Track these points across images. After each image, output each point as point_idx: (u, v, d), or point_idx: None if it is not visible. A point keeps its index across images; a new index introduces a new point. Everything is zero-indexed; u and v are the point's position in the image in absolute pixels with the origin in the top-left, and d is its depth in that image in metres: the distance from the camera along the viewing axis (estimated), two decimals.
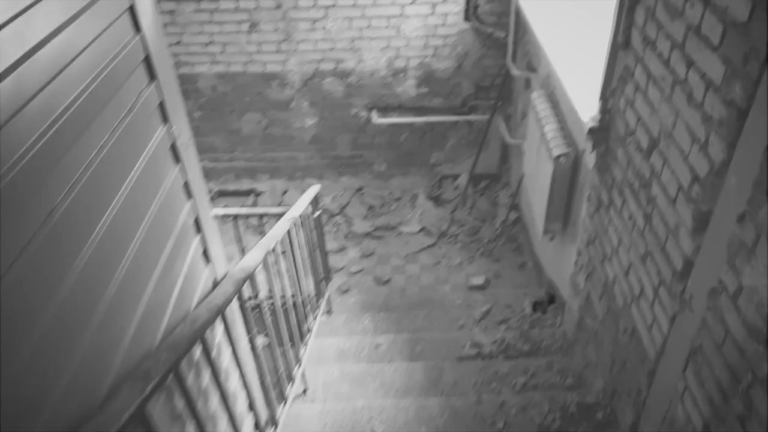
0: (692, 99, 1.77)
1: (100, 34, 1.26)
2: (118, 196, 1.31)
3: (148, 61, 1.44)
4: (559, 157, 3.15)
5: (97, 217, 1.23)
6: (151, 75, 1.46)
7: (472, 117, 4.82)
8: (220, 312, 1.64)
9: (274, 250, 2.39)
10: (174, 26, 4.39)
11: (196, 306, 1.75)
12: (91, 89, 1.21)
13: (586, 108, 2.71)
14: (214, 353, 1.82)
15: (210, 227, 1.87)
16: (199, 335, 1.50)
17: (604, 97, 2.52)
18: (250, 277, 1.97)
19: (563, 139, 3.25)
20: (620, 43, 2.32)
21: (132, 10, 1.37)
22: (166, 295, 1.56)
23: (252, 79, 4.71)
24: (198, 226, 1.80)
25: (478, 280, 4.32)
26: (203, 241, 1.84)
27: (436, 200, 5.12)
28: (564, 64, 3.10)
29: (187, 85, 4.74)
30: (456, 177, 5.24)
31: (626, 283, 2.40)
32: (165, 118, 1.56)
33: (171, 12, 4.30)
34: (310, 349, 3.12)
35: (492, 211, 4.94)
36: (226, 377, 1.99)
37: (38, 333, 1.02)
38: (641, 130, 2.17)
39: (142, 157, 1.43)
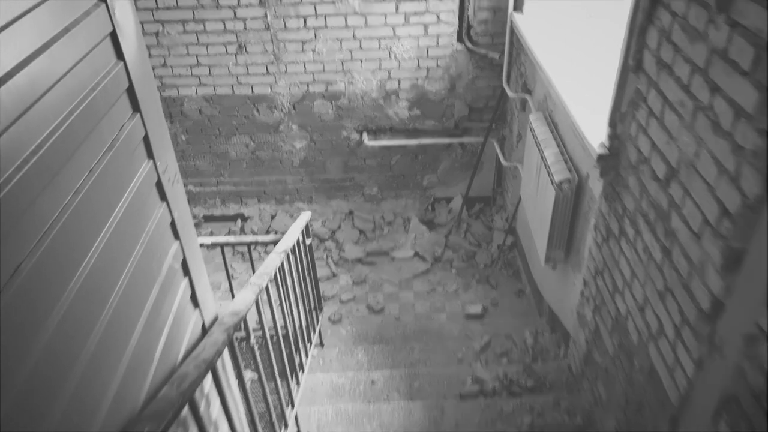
0: (718, 127, 1.66)
1: (77, 63, 1.11)
2: (97, 242, 1.15)
3: (131, 91, 1.28)
4: (561, 183, 3.04)
5: (73, 269, 1.07)
6: (135, 106, 1.31)
7: (465, 139, 4.71)
8: (210, 367, 1.47)
9: (266, 288, 2.22)
10: (159, 48, 4.24)
11: (184, 358, 1.57)
12: (66, 124, 1.05)
13: (590, 131, 2.60)
14: (202, 408, 1.64)
15: (198, 269, 1.71)
16: (187, 398, 1.33)
17: (614, 122, 2.41)
18: (242, 321, 1.80)
19: (565, 164, 3.14)
20: (631, 66, 2.22)
21: (114, 36, 1.22)
22: (151, 345, 1.39)
23: (240, 101, 4.57)
24: (186, 268, 1.63)
25: (476, 309, 4.17)
26: (191, 284, 1.67)
27: (430, 224, 4.98)
28: (565, 85, 3.01)
29: (173, 108, 4.58)
30: (449, 200, 5.11)
31: (642, 319, 2.26)
32: (150, 153, 1.40)
33: (156, 34, 4.16)
34: (303, 389, 2.93)
35: (487, 235, 4.81)
36: (215, 429, 1.81)
37: (11, 398, 0.86)
38: (657, 158, 2.06)
39: (124, 198, 1.27)
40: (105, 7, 1.21)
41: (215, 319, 1.83)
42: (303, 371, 3.10)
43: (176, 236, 1.56)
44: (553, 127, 3.46)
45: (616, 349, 2.56)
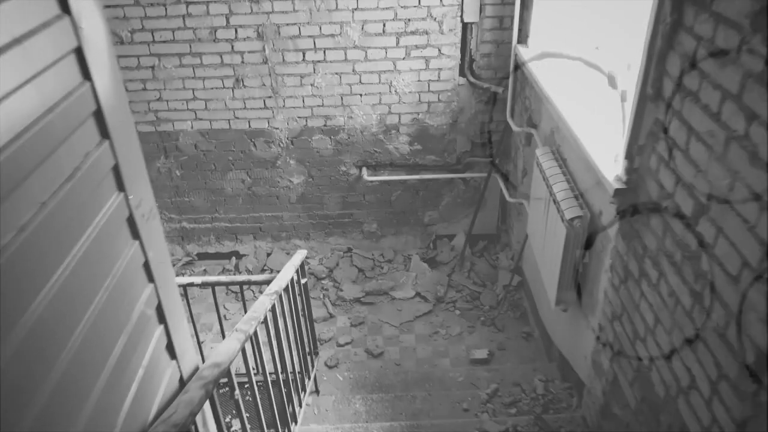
0: (756, 158, 1.50)
1: (29, 80, 0.95)
2: (48, 286, 0.97)
3: (99, 115, 1.12)
4: (572, 220, 2.87)
5: (15, 317, 0.88)
6: (103, 132, 1.14)
7: (468, 175, 4.57)
8: None
9: (254, 334, 2.02)
10: (155, 82, 4.13)
11: (156, 417, 1.36)
12: (11, 151, 0.88)
13: (604, 166, 2.45)
14: None
15: (176, 315, 1.51)
16: None
17: (631, 154, 2.26)
18: (224, 375, 1.60)
19: (576, 200, 2.97)
20: (649, 95, 2.07)
21: (80, 53, 1.06)
22: (115, 405, 1.19)
23: (236, 136, 4.44)
24: (161, 315, 1.44)
25: (481, 354, 3.94)
26: (167, 333, 1.47)
27: (432, 262, 4.79)
28: (575, 118, 2.87)
29: (168, 142, 4.45)
30: (452, 237, 4.94)
31: (668, 371, 2.05)
32: (120, 185, 1.23)
33: (152, 67, 4.06)
34: None
35: (492, 275, 4.62)
36: None
37: None
38: (682, 194, 1.89)
39: (86, 235, 1.09)
40: (69, 20, 1.06)
41: (196, 371, 1.63)
42: (296, 423, 2.86)
43: (150, 279, 1.37)
44: (562, 162, 3.32)
45: (638, 403, 2.34)
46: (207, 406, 1.64)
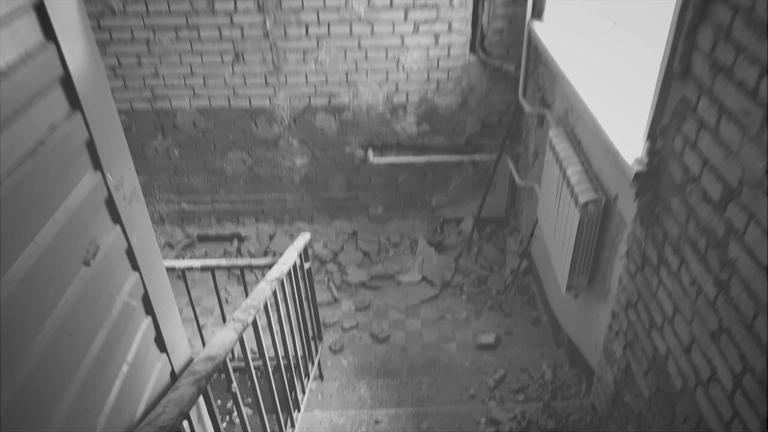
0: None
1: None
2: (7, 277, 0.86)
3: (67, 82, 1.00)
4: (587, 204, 2.74)
5: None
6: (74, 102, 1.02)
7: (477, 157, 4.42)
8: None
9: (253, 323, 1.92)
10: (150, 56, 3.99)
11: (144, 416, 1.27)
12: None
13: (622, 147, 2.31)
14: None
15: (165, 305, 1.41)
16: None
17: (653, 135, 2.12)
18: (219, 368, 1.50)
19: (590, 183, 2.84)
20: (676, 71, 1.93)
21: (41, 8, 0.94)
22: (94, 407, 1.09)
23: (236, 114, 4.31)
24: (148, 305, 1.34)
25: (488, 339, 3.85)
26: (156, 324, 1.37)
27: (439, 246, 4.67)
28: (592, 97, 2.72)
29: (165, 121, 4.32)
30: (459, 221, 4.81)
31: (687, 362, 1.95)
32: (96, 163, 1.11)
33: (146, 41, 3.91)
34: (299, 429, 2.61)
35: (500, 259, 4.50)
36: None
37: None
38: (710, 177, 1.76)
39: (53, 219, 0.98)
40: None
41: (189, 363, 1.53)
42: (299, 410, 2.78)
43: (134, 266, 1.26)
44: (576, 143, 3.18)
45: (652, 393, 2.23)
46: (201, 400, 1.55)
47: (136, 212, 1.28)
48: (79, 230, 1.04)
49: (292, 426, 2.59)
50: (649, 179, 2.16)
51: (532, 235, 4.00)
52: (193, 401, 1.27)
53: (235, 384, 1.67)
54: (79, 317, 1.04)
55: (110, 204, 1.17)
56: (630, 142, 2.30)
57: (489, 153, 4.42)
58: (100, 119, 1.10)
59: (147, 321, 1.34)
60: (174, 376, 1.46)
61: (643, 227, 2.28)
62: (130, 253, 1.25)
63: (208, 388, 1.44)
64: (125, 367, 1.21)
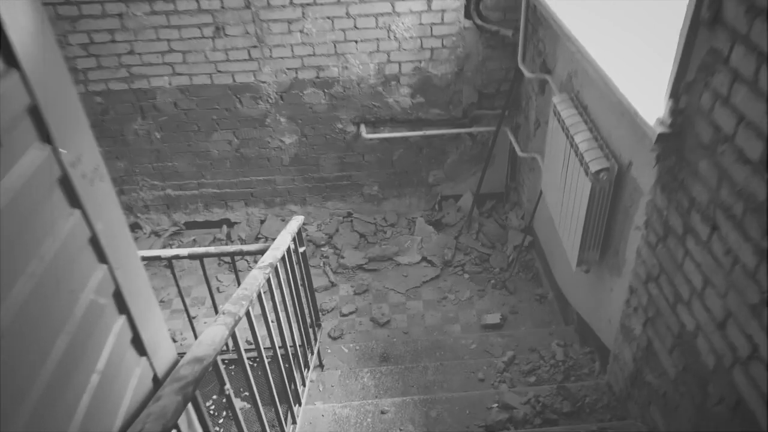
0: None
1: None
2: None
3: None
4: (599, 172, 2.57)
5: None
6: (8, 58, 0.82)
7: (475, 129, 4.23)
8: None
9: (247, 314, 1.74)
10: (124, 32, 3.73)
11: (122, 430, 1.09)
12: None
13: (640, 109, 2.12)
14: None
15: (143, 301, 1.22)
16: None
17: (676, 93, 1.93)
18: (208, 370, 1.31)
19: (601, 151, 2.67)
20: (704, 19, 1.73)
21: None
22: (56, 429, 0.91)
23: (220, 92, 4.07)
24: (121, 303, 1.15)
25: (493, 318, 3.70)
26: (132, 325, 1.18)
27: (437, 225, 4.50)
28: (601, 56, 2.52)
29: (143, 101, 4.08)
30: (458, 197, 4.63)
31: (721, 339, 1.79)
32: (44, 135, 0.91)
33: (119, 15, 3.65)
34: (300, 428, 2.45)
35: (502, 236, 4.34)
36: None
37: None
38: (747, 135, 1.58)
39: None
40: None
41: (175, 366, 1.34)
42: (299, 404, 2.62)
43: (101, 258, 1.07)
44: (582, 109, 2.99)
45: (679, 372, 2.08)
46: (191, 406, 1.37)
47: (101, 194, 1.08)
48: (23, 216, 0.85)
49: (294, 422, 2.43)
50: (673, 141, 1.98)
51: (535, 209, 3.83)
52: (179, 413, 1.09)
53: (228, 386, 1.49)
54: (30, 322, 0.85)
55: (66, 184, 0.97)
56: (648, 103, 2.12)
57: (487, 125, 4.23)
58: (46, 81, 0.90)
59: (121, 321, 1.15)
60: (157, 382, 1.28)
61: (664, 194, 2.11)
62: (95, 243, 1.05)
63: (197, 395, 1.26)
64: (95, 378, 1.02)
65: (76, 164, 0.99)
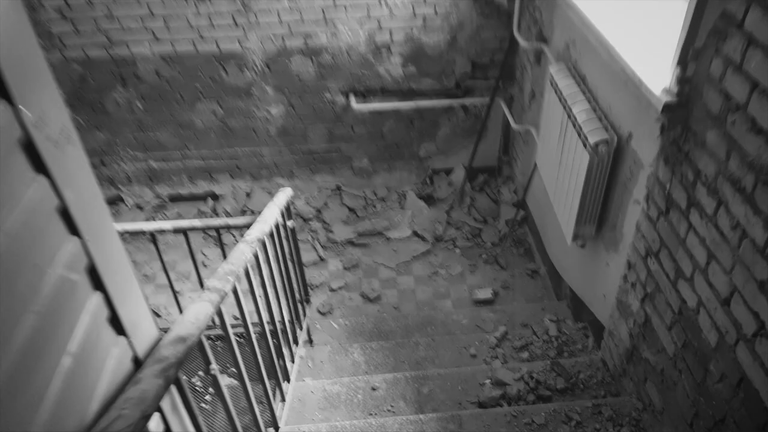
0: None
1: None
2: None
3: None
4: (597, 144, 2.49)
5: None
6: None
7: (468, 100, 4.13)
8: None
9: (234, 290, 1.65)
10: None
11: (95, 423, 1.00)
12: None
13: (645, 77, 2.03)
14: None
15: (120, 276, 1.13)
16: None
17: (684, 61, 1.85)
18: (192, 350, 1.23)
19: (599, 122, 2.59)
20: None
21: None
22: (23, 417, 0.82)
23: (204, 60, 3.91)
24: (96, 279, 1.05)
25: (485, 294, 3.65)
26: (108, 302, 1.09)
27: (429, 199, 4.42)
28: (603, 24, 2.42)
29: (124, 69, 3.91)
30: (450, 171, 4.55)
31: (725, 316, 1.74)
32: (1, 90, 0.80)
33: None
34: (289, 405, 2.39)
35: (494, 210, 4.27)
36: None
37: None
38: (761, 104, 1.50)
39: None
40: None
41: (156, 345, 1.26)
42: (288, 381, 2.56)
43: (73, 230, 0.97)
44: (580, 79, 2.90)
45: (678, 349, 2.04)
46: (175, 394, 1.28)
47: (70, 159, 0.97)
48: None
49: (282, 399, 2.36)
50: (679, 111, 1.90)
51: (529, 182, 3.76)
52: (159, 397, 1.00)
53: (214, 365, 1.41)
54: None
55: (29, 148, 0.86)
56: (652, 72, 2.03)
57: (480, 96, 4.13)
58: (3, 27, 0.78)
59: (96, 298, 1.05)
60: (138, 363, 1.19)
61: (667, 167, 2.04)
62: (64, 213, 0.95)
63: (180, 376, 1.18)
64: (67, 360, 0.93)
65: (40, 125, 0.88)
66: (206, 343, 1.36)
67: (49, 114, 0.92)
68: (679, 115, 1.91)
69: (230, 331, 1.60)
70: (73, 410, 0.95)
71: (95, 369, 1.03)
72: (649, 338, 2.26)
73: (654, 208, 2.16)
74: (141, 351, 1.22)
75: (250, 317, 1.98)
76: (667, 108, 1.88)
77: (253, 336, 1.94)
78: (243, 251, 1.82)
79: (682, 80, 1.86)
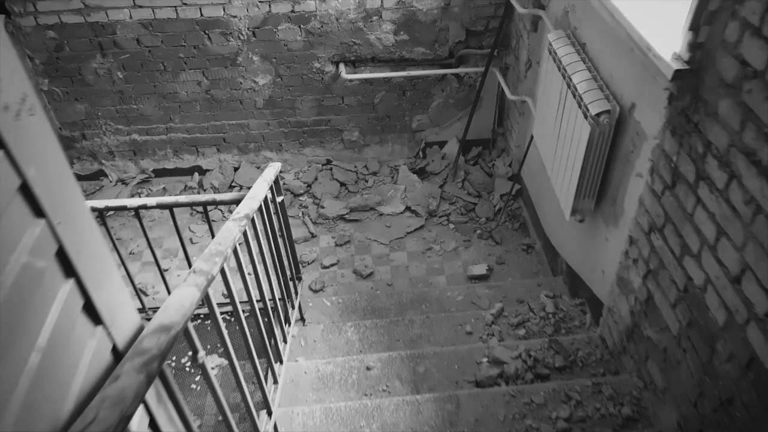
0: None
1: None
2: None
3: None
4: (599, 115, 2.40)
5: None
6: None
7: (462, 70, 4.00)
8: None
9: (221, 272, 1.55)
10: None
11: (70, 424, 0.91)
12: None
13: (654, 43, 1.93)
14: None
15: (94, 261, 1.02)
16: None
17: (696, 25, 1.74)
18: (178, 339, 1.14)
19: (601, 92, 2.49)
20: None
21: None
22: None
23: (186, 27, 3.74)
24: (66, 265, 0.95)
25: (480, 269, 3.59)
26: (82, 290, 0.99)
27: (421, 173, 4.32)
28: None
29: (102, 37, 3.73)
30: (443, 144, 4.44)
31: (735, 294, 1.67)
32: None
33: None
34: (282, 387, 2.32)
35: (488, 184, 4.18)
36: None
37: None
38: None
39: None
40: None
41: (139, 334, 1.16)
42: (281, 362, 2.48)
43: (37, 212, 0.86)
44: (580, 47, 2.79)
45: (682, 327, 1.99)
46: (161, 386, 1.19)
47: (32, 131, 0.86)
48: None
49: (275, 381, 2.29)
50: (690, 79, 1.80)
51: (525, 155, 3.66)
52: (141, 395, 0.91)
53: (201, 354, 1.32)
54: None
55: None
56: (659, 39, 1.93)
57: (475, 65, 4.00)
58: None
59: (68, 286, 0.95)
60: (118, 354, 1.09)
61: (674, 138, 1.95)
62: (26, 192, 0.85)
63: (164, 368, 1.08)
64: (35, 357, 0.84)
65: None
66: (193, 332, 1.27)
67: (6, 79, 0.80)
68: (690, 83, 1.81)
69: (218, 317, 1.50)
70: (44, 412, 0.85)
71: (69, 365, 0.94)
72: (651, 316, 2.21)
73: (659, 181, 2.08)
74: (121, 341, 1.12)
75: (240, 297, 1.89)
76: (677, 75, 1.78)
77: (243, 317, 1.86)
78: (231, 230, 1.72)
79: (694, 46, 1.76)
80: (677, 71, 1.78)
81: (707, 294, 1.81)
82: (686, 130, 1.87)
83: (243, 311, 1.85)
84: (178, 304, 1.18)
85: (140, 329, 1.22)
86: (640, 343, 2.31)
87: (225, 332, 1.53)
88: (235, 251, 1.84)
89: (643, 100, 2.23)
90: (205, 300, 1.41)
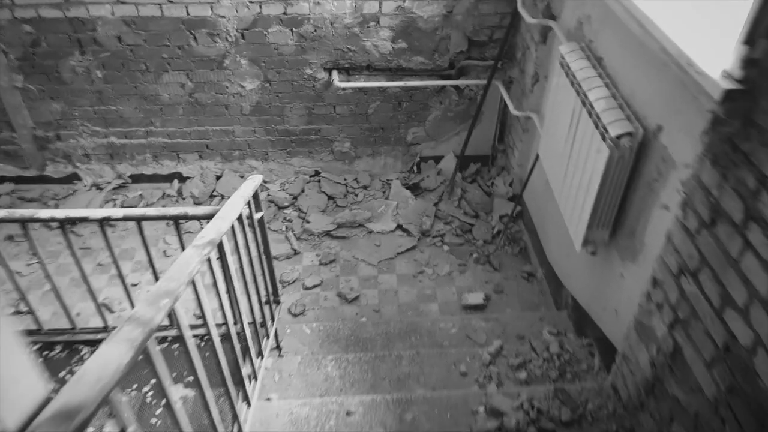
0: None
1: None
2: None
3: None
4: (620, 137, 2.13)
5: None
6: None
7: (462, 81, 3.73)
8: None
9: (171, 314, 1.25)
10: None
11: None
12: None
13: (696, 58, 1.66)
14: None
15: None
16: None
17: (752, 38, 1.47)
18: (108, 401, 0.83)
19: (621, 112, 2.22)
20: None
21: None
22: None
23: (171, 26, 3.46)
24: None
25: (476, 298, 3.29)
26: None
27: (415, 189, 4.03)
28: None
29: (82, 33, 3.46)
30: (439, 159, 4.16)
31: None
32: None
33: None
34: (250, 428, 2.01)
35: (487, 204, 3.90)
36: None
37: None
38: None
39: None
40: None
41: (35, 418, 0.85)
42: (249, 405, 2.17)
43: None
44: (596, 61, 2.53)
45: (721, 392, 1.69)
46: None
47: None
48: None
49: (239, 429, 1.98)
50: (741, 101, 1.53)
51: (529, 175, 3.39)
52: None
53: (133, 428, 1.01)
54: None
55: None
56: (699, 54, 1.66)
57: (476, 77, 3.73)
58: None
59: None
60: None
61: (716, 169, 1.67)
62: None
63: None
64: None
65: None
66: (123, 404, 0.96)
67: None
68: (741, 105, 1.54)
69: (161, 374, 1.20)
70: None
71: None
72: (678, 372, 1.92)
73: (693, 217, 1.80)
74: (12, 425, 0.82)
75: (207, 320, 1.59)
76: (729, 96, 1.51)
77: (196, 357, 1.55)
78: (189, 261, 1.41)
79: (749, 62, 1.49)
80: (728, 92, 1.50)
81: (757, 358, 1.52)
82: (732, 161, 1.59)
83: (204, 342, 1.55)
84: (96, 373, 0.88)
85: (47, 401, 0.91)
86: (663, 401, 2.01)
87: (173, 401, 1.22)
88: (194, 285, 1.54)
89: (673, 122, 1.96)
90: (149, 349, 1.11)
